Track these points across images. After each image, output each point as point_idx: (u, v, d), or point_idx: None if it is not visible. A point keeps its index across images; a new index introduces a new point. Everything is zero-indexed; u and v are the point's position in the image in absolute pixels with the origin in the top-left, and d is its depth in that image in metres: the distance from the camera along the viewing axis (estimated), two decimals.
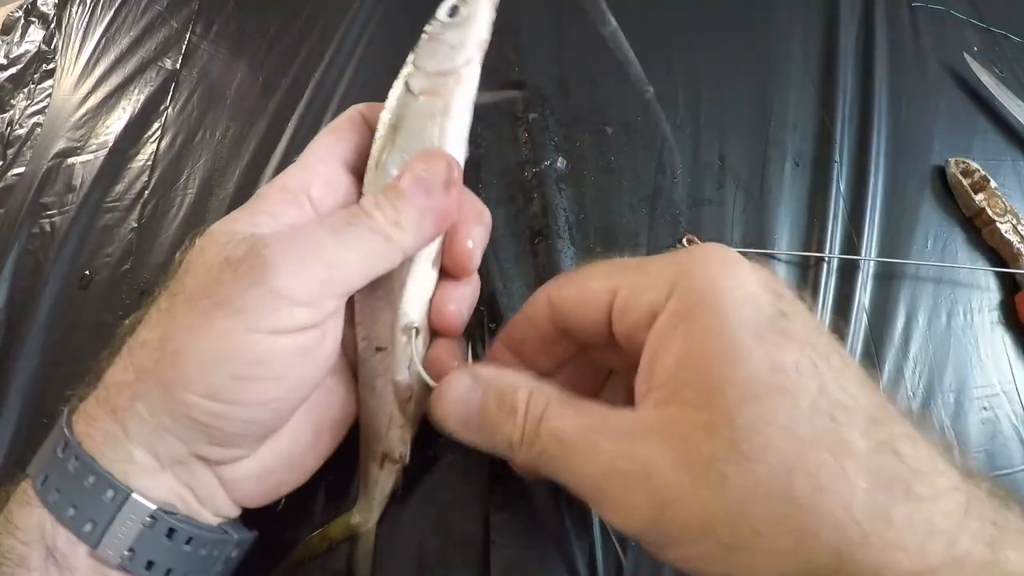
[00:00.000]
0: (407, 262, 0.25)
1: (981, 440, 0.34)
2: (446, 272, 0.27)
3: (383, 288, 0.25)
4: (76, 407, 0.23)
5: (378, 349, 0.26)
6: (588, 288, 0.22)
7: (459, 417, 0.23)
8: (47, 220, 0.45)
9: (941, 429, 0.34)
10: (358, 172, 0.26)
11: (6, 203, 0.47)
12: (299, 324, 0.21)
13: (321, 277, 0.21)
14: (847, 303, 0.35)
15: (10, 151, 0.50)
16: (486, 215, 0.28)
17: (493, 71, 0.42)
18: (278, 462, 0.25)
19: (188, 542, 0.22)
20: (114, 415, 0.21)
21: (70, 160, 0.47)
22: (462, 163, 0.26)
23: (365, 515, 0.28)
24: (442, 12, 0.26)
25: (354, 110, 0.28)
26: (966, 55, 0.43)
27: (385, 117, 0.26)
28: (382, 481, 0.28)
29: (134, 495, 0.21)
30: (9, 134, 0.51)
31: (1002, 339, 0.36)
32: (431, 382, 0.25)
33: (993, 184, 0.38)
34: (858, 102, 0.41)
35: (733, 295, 0.18)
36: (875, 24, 0.43)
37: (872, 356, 0.35)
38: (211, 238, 0.23)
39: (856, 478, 0.16)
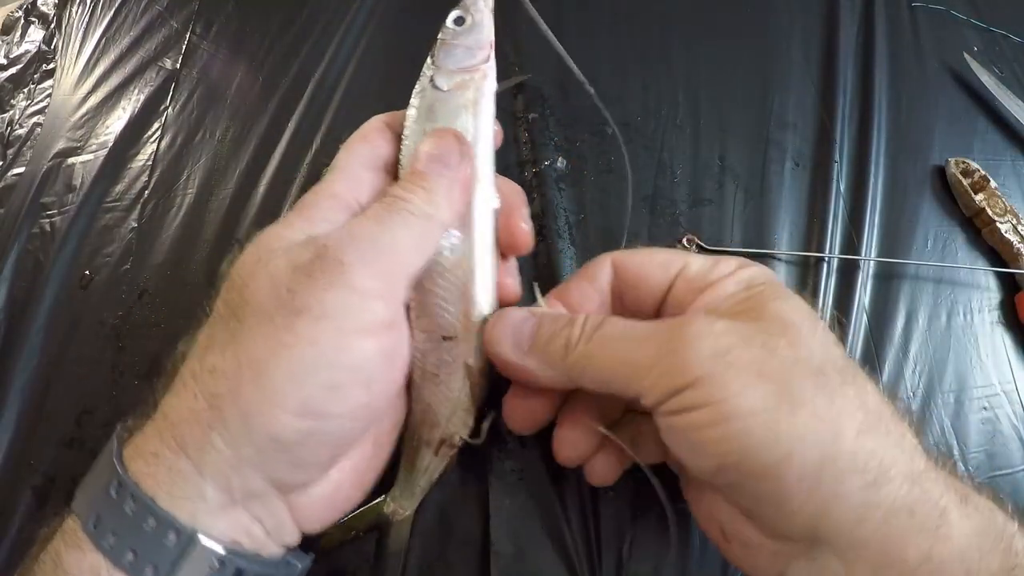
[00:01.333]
0: (473, 253, 0.27)
1: (981, 440, 0.34)
2: (504, 253, 0.29)
3: (447, 279, 0.27)
4: (126, 439, 0.21)
5: (445, 338, 0.27)
6: (657, 256, 0.25)
7: (512, 338, 0.25)
8: (47, 220, 0.45)
9: (941, 429, 0.34)
10: (396, 176, 0.27)
11: (6, 203, 0.47)
12: (381, 320, 0.22)
13: (387, 267, 0.22)
14: (847, 303, 0.35)
15: (10, 151, 0.50)
16: (524, 195, 0.30)
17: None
18: (347, 480, 0.24)
19: None
20: (184, 450, 0.20)
21: (70, 160, 0.47)
22: (496, 143, 0.29)
23: (405, 503, 0.29)
24: (450, 22, 0.30)
25: (377, 120, 0.28)
26: (966, 55, 0.43)
27: (414, 114, 0.29)
28: (433, 467, 0.28)
29: (201, 538, 0.20)
30: (9, 134, 0.51)
31: (1002, 339, 0.36)
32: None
33: (993, 184, 0.38)
34: (858, 102, 0.41)
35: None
36: (875, 24, 0.43)
37: (872, 356, 0.35)
38: (266, 245, 0.22)
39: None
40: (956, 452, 0.33)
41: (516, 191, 0.29)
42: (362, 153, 0.26)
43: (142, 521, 0.19)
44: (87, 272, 0.42)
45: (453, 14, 0.30)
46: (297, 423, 0.20)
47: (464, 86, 0.29)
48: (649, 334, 0.22)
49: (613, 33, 0.43)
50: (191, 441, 0.20)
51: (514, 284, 0.29)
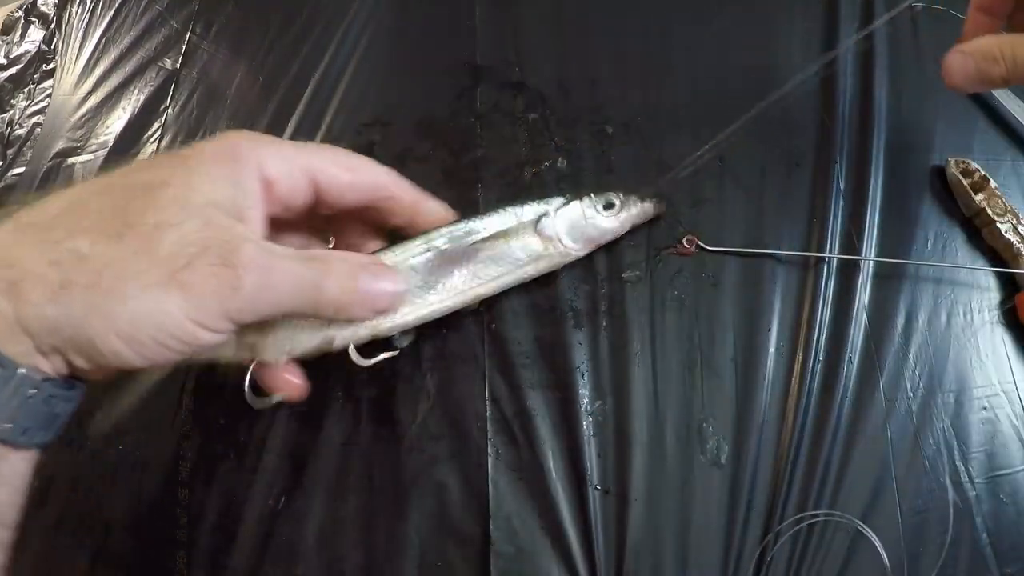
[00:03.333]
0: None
1: (981, 440, 0.34)
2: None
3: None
4: None
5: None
6: None
7: (961, 75, 0.31)
8: None
9: (941, 429, 0.34)
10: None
11: (6, 203, 0.47)
12: (216, 341, 0.24)
13: (260, 309, 0.24)
14: (847, 303, 0.35)
15: (10, 151, 0.50)
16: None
17: (493, 71, 0.42)
18: None
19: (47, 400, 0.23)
20: (13, 302, 0.21)
21: (70, 160, 0.47)
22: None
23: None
24: (600, 202, 0.34)
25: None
26: None
27: (490, 222, 0.33)
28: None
29: (20, 369, 0.21)
30: (9, 134, 0.51)
31: (1002, 339, 0.36)
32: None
33: (993, 184, 0.38)
34: (858, 102, 0.41)
35: None
36: (875, 24, 0.43)
37: (872, 356, 0.35)
38: (198, 187, 0.24)
39: None
40: (956, 452, 0.33)
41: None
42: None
43: None
44: None
45: (609, 196, 0.34)
46: (124, 351, 0.22)
47: (549, 243, 0.32)
48: None
49: (613, 33, 0.43)
50: (28, 298, 0.21)
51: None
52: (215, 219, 0.23)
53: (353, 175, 0.29)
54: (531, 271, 0.33)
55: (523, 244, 0.32)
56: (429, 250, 0.32)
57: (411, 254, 0.31)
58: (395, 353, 0.33)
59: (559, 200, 0.34)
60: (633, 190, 0.35)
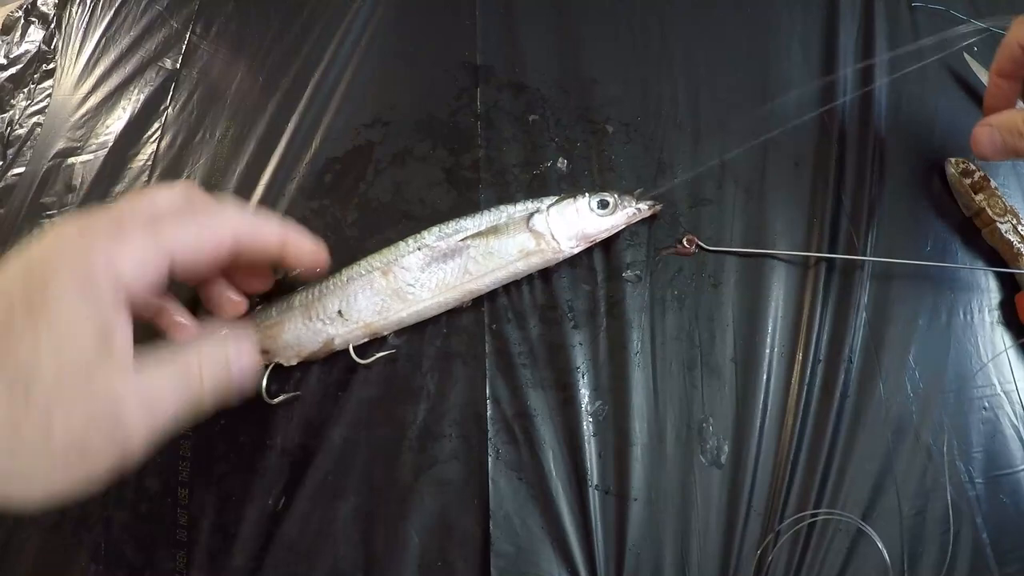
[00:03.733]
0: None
1: (981, 440, 0.34)
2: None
3: None
4: None
5: None
6: None
7: (989, 147, 0.33)
8: (47, 220, 0.45)
9: (941, 429, 0.34)
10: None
11: (6, 203, 0.47)
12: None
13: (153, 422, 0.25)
14: (847, 303, 0.35)
15: (10, 151, 0.50)
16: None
17: (493, 71, 0.42)
18: None
19: None
20: None
21: (70, 160, 0.47)
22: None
23: None
24: (594, 200, 0.34)
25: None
26: (966, 55, 0.43)
27: (482, 219, 0.33)
28: None
29: None
30: (9, 134, 0.51)
31: (1002, 339, 0.36)
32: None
33: (993, 184, 0.38)
34: (858, 102, 0.41)
35: None
36: (875, 24, 0.43)
37: (872, 356, 0.35)
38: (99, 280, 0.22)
39: None
40: (956, 452, 0.33)
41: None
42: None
43: None
44: None
45: (602, 195, 0.34)
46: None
47: (540, 239, 0.33)
48: None
49: (613, 33, 0.43)
50: None
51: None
52: (89, 389, 0.22)
53: (205, 248, 0.26)
54: (522, 267, 0.33)
55: (515, 240, 0.33)
56: (419, 248, 0.33)
57: (401, 253, 0.33)
58: (392, 352, 0.34)
59: (552, 198, 0.34)
60: (630, 191, 0.35)
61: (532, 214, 0.33)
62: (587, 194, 0.34)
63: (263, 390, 0.32)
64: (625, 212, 0.34)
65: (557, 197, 0.34)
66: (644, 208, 0.35)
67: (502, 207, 0.34)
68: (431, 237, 0.33)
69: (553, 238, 0.33)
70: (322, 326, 0.32)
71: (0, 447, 0.21)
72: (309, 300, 0.32)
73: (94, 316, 0.22)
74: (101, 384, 0.22)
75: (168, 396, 0.24)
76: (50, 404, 0.21)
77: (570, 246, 0.33)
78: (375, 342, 0.34)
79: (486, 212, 0.34)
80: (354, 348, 0.33)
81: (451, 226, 0.33)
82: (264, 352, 0.31)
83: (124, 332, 0.23)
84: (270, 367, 0.32)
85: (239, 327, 0.31)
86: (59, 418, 0.21)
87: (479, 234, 0.33)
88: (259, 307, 0.33)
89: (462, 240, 0.33)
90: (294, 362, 0.32)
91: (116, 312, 0.23)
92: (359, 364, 0.33)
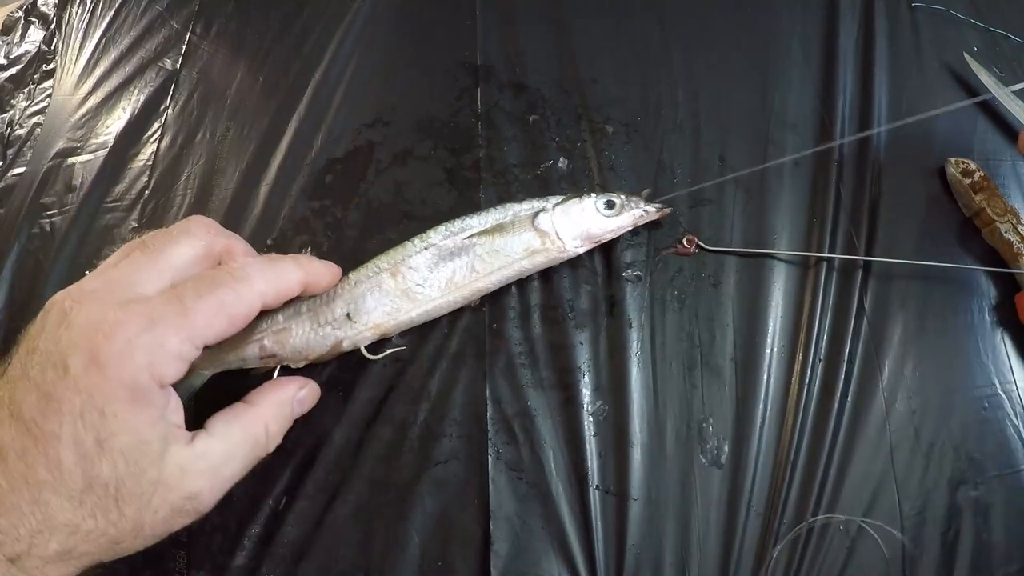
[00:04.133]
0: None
1: (981, 440, 0.34)
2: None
3: None
4: None
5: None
6: None
7: None
8: (47, 220, 0.45)
9: (941, 429, 0.34)
10: None
11: (6, 203, 0.47)
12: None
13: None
14: (847, 303, 0.35)
15: (10, 151, 0.50)
16: None
17: (493, 71, 0.42)
18: None
19: None
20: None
21: (70, 160, 0.47)
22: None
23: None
24: (601, 201, 0.34)
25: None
26: (966, 55, 0.43)
27: (488, 218, 0.33)
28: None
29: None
30: (9, 134, 0.51)
31: (1002, 339, 0.36)
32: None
33: (993, 184, 0.38)
34: (858, 102, 0.41)
35: None
36: (875, 24, 0.43)
37: (872, 356, 0.35)
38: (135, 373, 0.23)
39: None
40: (956, 452, 0.33)
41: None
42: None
43: None
44: (87, 272, 0.42)
45: (609, 196, 0.34)
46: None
47: (546, 238, 0.33)
48: None
49: (613, 33, 0.43)
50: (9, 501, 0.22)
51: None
52: (167, 484, 0.24)
53: (236, 324, 0.26)
54: (528, 266, 0.33)
55: (520, 239, 0.33)
56: (427, 247, 0.32)
57: (408, 253, 0.32)
58: (403, 347, 0.34)
59: (558, 197, 0.34)
60: (637, 192, 0.35)
61: (537, 213, 0.33)
62: (594, 194, 0.34)
63: (363, 347, 0.32)
64: (632, 214, 0.34)
65: (564, 196, 0.34)
66: (652, 211, 0.34)
67: (508, 205, 0.34)
68: (438, 236, 0.33)
69: (558, 237, 0.33)
70: (331, 330, 0.31)
71: (105, 548, 0.24)
72: (317, 305, 0.32)
73: (153, 421, 0.24)
74: (172, 470, 0.24)
75: (239, 456, 0.27)
76: (140, 512, 0.24)
77: (575, 246, 0.33)
78: (380, 340, 0.34)
79: (492, 210, 0.34)
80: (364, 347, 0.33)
81: (457, 224, 0.33)
82: (272, 356, 0.31)
83: (177, 415, 0.25)
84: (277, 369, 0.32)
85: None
86: (148, 518, 0.24)
87: (485, 232, 0.33)
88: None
89: (468, 238, 0.33)
90: (302, 364, 0.32)
91: (166, 404, 0.24)
92: (368, 359, 0.33)
